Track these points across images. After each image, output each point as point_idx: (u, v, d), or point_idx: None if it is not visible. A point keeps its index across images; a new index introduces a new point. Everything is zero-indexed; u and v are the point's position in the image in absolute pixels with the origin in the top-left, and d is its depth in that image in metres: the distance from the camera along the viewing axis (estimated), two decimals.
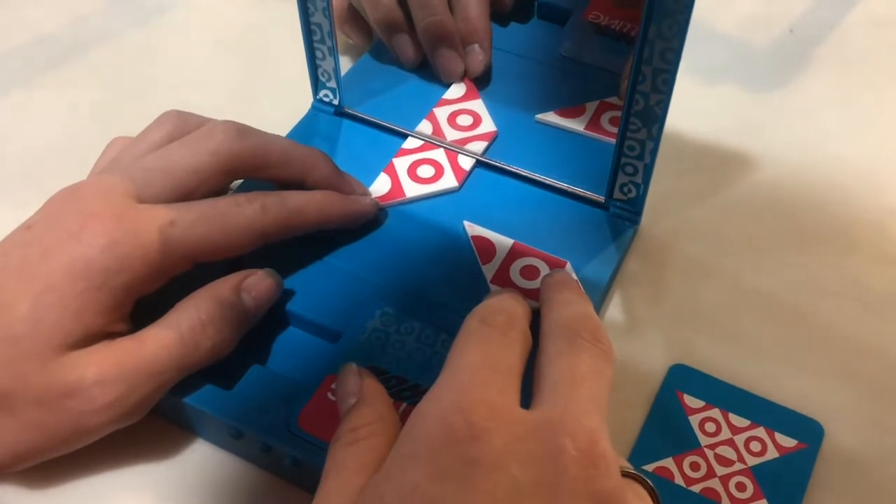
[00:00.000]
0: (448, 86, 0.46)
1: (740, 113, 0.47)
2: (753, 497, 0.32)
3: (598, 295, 0.37)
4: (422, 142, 0.43)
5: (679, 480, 0.33)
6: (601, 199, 0.40)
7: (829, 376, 0.36)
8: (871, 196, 0.42)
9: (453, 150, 0.42)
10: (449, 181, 0.41)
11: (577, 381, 0.27)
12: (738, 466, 0.33)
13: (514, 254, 0.38)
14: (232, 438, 0.33)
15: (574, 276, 0.37)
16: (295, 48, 0.43)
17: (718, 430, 0.34)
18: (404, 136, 0.43)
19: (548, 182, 0.41)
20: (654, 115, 0.35)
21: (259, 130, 0.37)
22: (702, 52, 0.50)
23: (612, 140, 0.38)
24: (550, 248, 0.38)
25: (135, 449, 0.34)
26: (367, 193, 0.39)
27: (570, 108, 0.44)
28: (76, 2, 0.55)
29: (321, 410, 0.32)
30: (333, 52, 0.42)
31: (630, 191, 0.39)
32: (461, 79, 0.46)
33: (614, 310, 0.38)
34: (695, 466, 0.33)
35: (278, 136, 0.37)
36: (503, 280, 0.37)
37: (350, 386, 0.30)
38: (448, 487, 0.23)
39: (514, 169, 0.42)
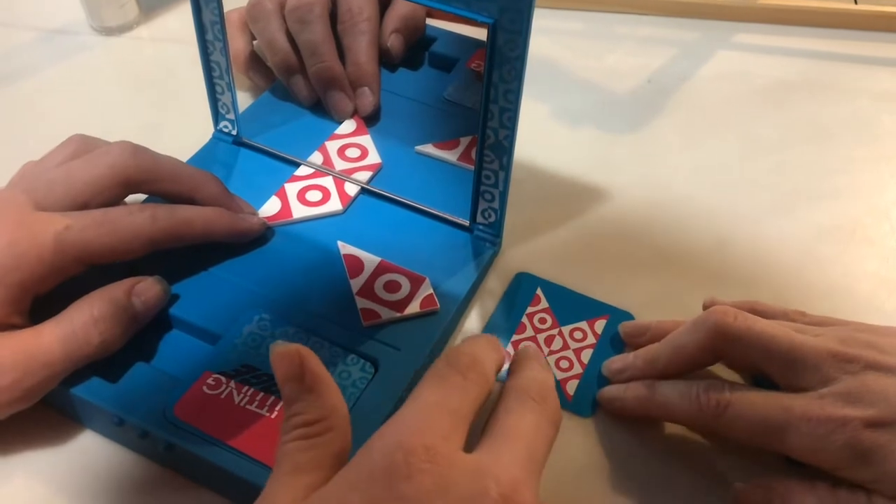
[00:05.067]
0: (341, 122, 0.50)
1: (597, 152, 0.52)
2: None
3: (456, 306, 0.41)
4: (313, 170, 0.47)
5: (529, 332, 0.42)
6: (466, 223, 0.45)
7: None
8: (704, 228, 0.47)
9: (341, 178, 0.47)
10: (334, 205, 0.46)
11: (516, 437, 0.30)
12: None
13: (379, 270, 0.42)
14: (114, 426, 0.36)
15: (431, 290, 0.41)
16: (198, 85, 0.47)
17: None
18: (297, 165, 0.48)
19: (422, 208, 0.46)
20: (504, 147, 0.40)
21: (153, 151, 0.40)
22: (568, 100, 0.56)
23: None
24: (418, 267, 0.42)
25: (25, 437, 0.37)
26: (254, 213, 0.44)
27: (446, 141, 0.49)
28: (2, 37, 0.59)
29: (195, 402, 0.36)
30: (231, 87, 0.47)
31: (490, 216, 0.44)
32: (351, 117, 0.50)
33: (472, 321, 0.43)
34: (542, 321, 0.43)
35: (170, 157, 0.41)
36: (368, 293, 0.41)
37: (291, 368, 0.30)
38: None
39: (393, 196, 0.46)
